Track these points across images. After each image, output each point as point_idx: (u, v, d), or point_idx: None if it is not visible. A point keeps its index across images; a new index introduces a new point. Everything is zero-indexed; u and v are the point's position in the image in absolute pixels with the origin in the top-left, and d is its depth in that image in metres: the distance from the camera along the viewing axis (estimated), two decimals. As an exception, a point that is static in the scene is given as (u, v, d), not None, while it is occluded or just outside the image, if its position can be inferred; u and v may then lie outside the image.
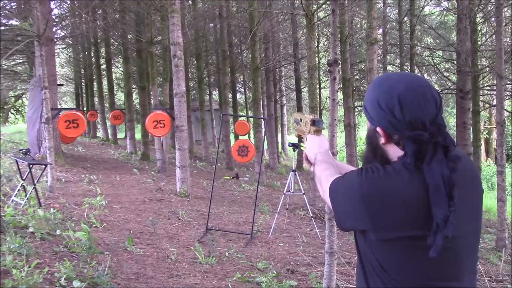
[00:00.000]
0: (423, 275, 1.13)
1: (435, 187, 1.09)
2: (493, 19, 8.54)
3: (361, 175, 1.15)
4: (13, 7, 11.81)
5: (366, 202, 1.12)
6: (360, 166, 1.28)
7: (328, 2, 8.67)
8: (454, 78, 12.73)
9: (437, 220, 1.06)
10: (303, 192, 6.65)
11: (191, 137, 17.29)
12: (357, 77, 15.28)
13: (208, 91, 22.13)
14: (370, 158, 1.27)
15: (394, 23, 14.75)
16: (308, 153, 1.53)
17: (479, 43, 10.51)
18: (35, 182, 5.63)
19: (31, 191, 5.58)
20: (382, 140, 1.20)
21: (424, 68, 13.70)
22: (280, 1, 13.78)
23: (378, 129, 1.19)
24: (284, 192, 6.48)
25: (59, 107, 13.79)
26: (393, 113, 1.13)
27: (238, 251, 4.89)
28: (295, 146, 6.67)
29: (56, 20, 13.05)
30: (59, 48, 18.65)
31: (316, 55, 13.49)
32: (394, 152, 1.19)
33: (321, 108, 17.12)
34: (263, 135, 10.79)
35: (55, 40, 11.58)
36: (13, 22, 11.84)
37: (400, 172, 1.13)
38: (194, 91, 21.45)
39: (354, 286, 4.03)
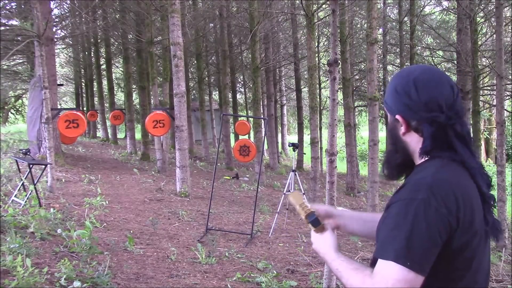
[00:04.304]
0: (476, 274, 1.11)
1: (479, 173, 1.13)
2: (493, 19, 8.54)
3: (428, 190, 1.05)
4: (13, 7, 11.81)
5: (448, 210, 1.03)
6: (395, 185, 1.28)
7: (328, 2, 8.67)
8: (454, 78, 12.72)
9: (494, 205, 1.13)
10: (303, 192, 6.66)
11: (191, 137, 17.28)
12: (357, 77, 15.27)
13: (208, 91, 22.11)
14: (392, 151, 1.25)
15: (394, 23, 14.76)
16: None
17: (479, 43, 10.50)
18: (35, 182, 5.63)
19: (31, 191, 5.58)
20: (402, 129, 1.18)
21: (424, 68, 13.67)
22: (280, 1, 13.75)
23: (397, 116, 1.18)
24: (284, 192, 6.48)
25: (59, 107, 13.80)
26: (409, 95, 1.14)
27: (238, 251, 4.89)
28: (295, 146, 6.68)
29: (56, 20, 13.03)
30: (59, 48, 18.64)
31: (316, 55, 13.46)
32: (416, 142, 1.18)
33: (321, 108, 17.11)
34: (263, 135, 10.78)
35: (55, 40, 11.57)
36: (13, 22, 11.83)
37: (444, 167, 1.10)
38: (194, 91, 21.44)
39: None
